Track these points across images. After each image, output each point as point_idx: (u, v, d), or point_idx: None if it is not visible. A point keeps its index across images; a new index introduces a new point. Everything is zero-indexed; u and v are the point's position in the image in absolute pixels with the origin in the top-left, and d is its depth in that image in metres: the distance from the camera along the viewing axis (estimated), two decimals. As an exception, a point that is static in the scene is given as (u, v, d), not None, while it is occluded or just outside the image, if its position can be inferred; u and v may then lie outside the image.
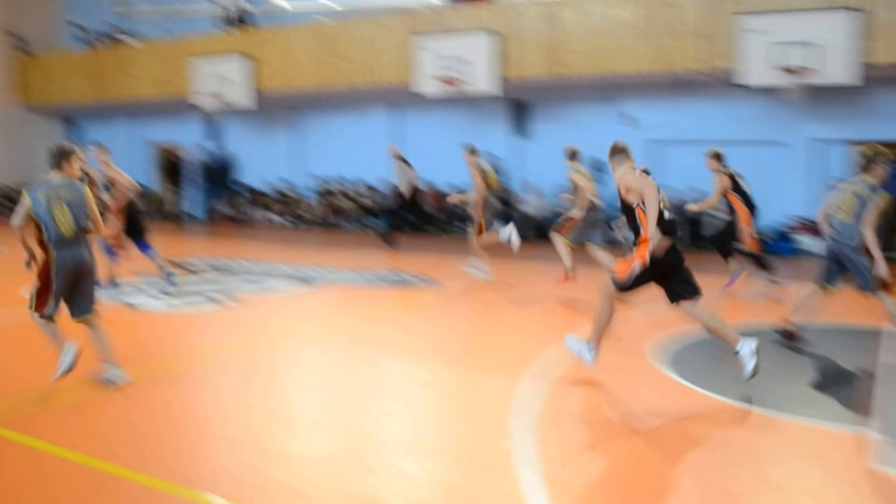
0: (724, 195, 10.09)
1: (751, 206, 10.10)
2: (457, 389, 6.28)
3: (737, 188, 10.06)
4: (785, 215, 15.40)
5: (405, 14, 17.34)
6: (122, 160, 22.79)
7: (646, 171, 6.14)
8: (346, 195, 19.77)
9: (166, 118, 23.26)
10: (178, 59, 20.24)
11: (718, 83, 15.15)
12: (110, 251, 10.12)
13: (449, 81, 16.16)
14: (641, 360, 6.89)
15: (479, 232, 11.20)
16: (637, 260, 5.91)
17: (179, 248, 14.51)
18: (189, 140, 22.47)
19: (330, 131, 20.56)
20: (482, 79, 15.96)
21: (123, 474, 4.49)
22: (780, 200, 15.06)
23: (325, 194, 20.12)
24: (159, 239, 15.04)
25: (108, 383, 6.12)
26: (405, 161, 15.89)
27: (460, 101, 17.74)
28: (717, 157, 10.19)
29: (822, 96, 14.09)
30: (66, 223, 5.92)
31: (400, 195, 16.16)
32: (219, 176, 22.02)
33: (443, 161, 18.79)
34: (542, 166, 17.68)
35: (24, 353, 7.10)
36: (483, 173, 11.58)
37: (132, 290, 10.24)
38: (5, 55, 23.82)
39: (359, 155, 19.99)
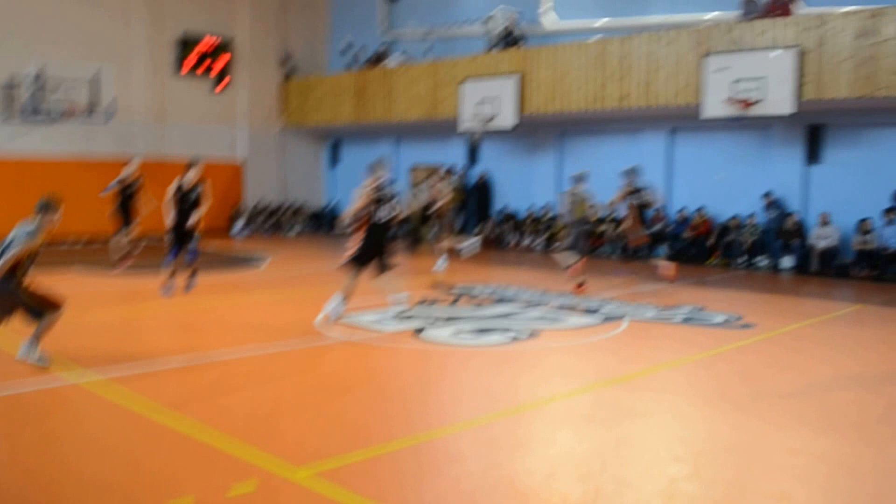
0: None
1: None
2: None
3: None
4: None
5: (692, 30, 16.22)
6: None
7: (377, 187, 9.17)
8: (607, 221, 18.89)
9: (428, 141, 23.59)
10: (444, 80, 20.42)
11: None
12: None
13: (744, 103, 14.88)
14: None
15: None
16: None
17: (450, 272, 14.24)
18: (451, 163, 22.55)
19: (597, 154, 19.81)
20: (779, 99, 14.55)
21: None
22: None
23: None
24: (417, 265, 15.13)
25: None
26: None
27: (745, 126, 16.39)
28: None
29: None
30: None
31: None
32: (482, 199, 21.88)
33: (724, 189, 17.52)
34: (837, 195, 15.88)
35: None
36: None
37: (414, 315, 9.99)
38: (275, 78, 25.34)
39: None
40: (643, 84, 16.70)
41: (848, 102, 14.39)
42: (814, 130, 16.21)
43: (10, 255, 6.68)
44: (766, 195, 16.45)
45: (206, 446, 5.14)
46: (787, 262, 16.06)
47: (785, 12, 15.14)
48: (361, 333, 8.88)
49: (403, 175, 24.07)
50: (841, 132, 16.05)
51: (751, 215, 16.65)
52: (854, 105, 14.71)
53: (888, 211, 14.96)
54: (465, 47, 21.51)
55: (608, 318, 10.13)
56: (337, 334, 8.77)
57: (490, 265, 16.28)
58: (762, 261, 16.40)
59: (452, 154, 22.68)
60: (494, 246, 20.47)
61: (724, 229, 17.04)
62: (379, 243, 9.27)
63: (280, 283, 13.46)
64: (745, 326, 9.83)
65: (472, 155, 22.33)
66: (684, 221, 17.59)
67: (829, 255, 15.46)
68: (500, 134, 19.83)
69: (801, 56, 14.41)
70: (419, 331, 9.02)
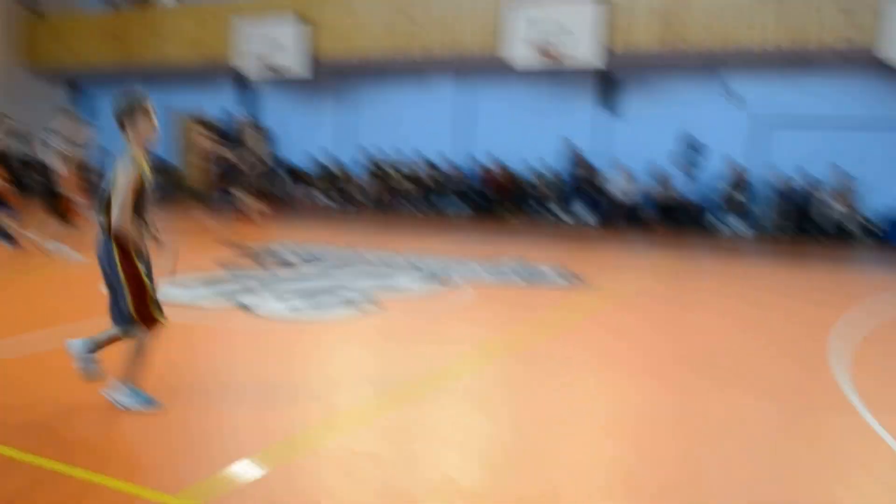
0: None
1: None
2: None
3: None
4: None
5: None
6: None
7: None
8: (404, 174, 18.01)
9: (194, 86, 21.20)
10: (217, 19, 18.28)
11: (850, 59, 13.78)
12: None
13: (546, 51, 14.49)
14: None
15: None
16: None
17: (239, 232, 12.46)
18: (219, 110, 20.36)
19: (387, 104, 18.77)
20: (584, 49, 14.33)
21: None
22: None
23: (380, 173, 18.31)
24: (194, 221, 13.20)
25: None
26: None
27: (541, 74, 16.13)
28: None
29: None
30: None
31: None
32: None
33: (517, 139, 17.22)
34: (632, 146, 16.12)
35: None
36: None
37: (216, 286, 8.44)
38: (7, 12, 21.38)
39: (419, 130, 18.24)
40: (446, 30, 15.83)
41: (653, 53, 14.54)
42: (608, 80, 16.26)
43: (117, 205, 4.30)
44: (567, 142, 16.33)
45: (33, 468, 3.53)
46: (586, 215, 16.08)
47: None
48: (176, 311, 7.20)
49: (162, 122, 21.55)
50: (636, 84, 16.26)
51: (548, 167, 16.51)
52: (660, 56, 14.92)
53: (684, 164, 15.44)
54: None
55: (434, 277, 9.20)
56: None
57: (279, 223, 14.71)
58: (560, 213, 16.33)
59: (219, 100, 20.52)
60: (280, 203, 18.83)
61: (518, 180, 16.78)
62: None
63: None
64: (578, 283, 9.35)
65: (247, 101, 20.35)
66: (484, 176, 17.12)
67: (626, 205, 15.69)
68: (282, 81, 18.09)
69: (609, 6, 14.26)
70: (244, 306, 7.48)
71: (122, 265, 4.36)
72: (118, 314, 4.47)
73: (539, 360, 5.99)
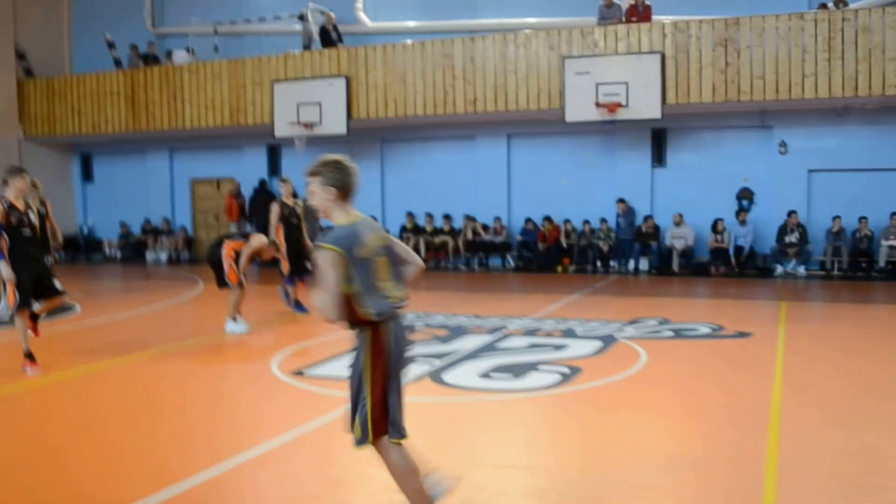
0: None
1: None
2: None
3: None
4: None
5: (549, 31, 15.80)
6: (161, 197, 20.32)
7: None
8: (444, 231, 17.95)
9: (216, 151, 20.85)
10: (249, 82, 18.07)
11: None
12: None
13: (610, 107, 14.74)
14: None
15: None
16: None
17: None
18: (248, 176, 20.01)
19: (427, 162, 18.77)
20: (645, 104, 14.64)
21: None
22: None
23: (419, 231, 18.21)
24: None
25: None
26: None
27: (588, 130, 16.43)
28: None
29: None
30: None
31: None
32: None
33: (572, 193, 17.40)
34: (684, 196, 16.44)
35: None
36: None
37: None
38: (6, 80, 20.63)
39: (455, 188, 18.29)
40: (492, 87, 16.00)
41: (694, 107, 14.97)
42: (657, 133, 16.61)
43: None
44: (621, 201, 16.55)
45: None
46: (643, 264, 16.28)
47: (642, 19, 15.33)
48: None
49: (184, 190, 21.26)
50: (682, 135, 16.64)
51: (602, 220, 16.66)
52: (696, 110, 15.35)
53: (739, 212, 15.78)
54: (266, 46, 19.26)
55: (600, 342, 9.10)
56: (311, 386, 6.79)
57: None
58: (616, 265, 16.49)
59: (249, 165, 20.23)
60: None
61: (571, 235, 16.86)
62: None
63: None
64: (742, 335, 9.40)
65: (275, 165, 20.08)
66: (533, 230, 17.16)
67: (687, 254, 15.93)
68: (325, 140, 17.94)
69: (663, 61, 14.64)
70: (432, 373, 7.28)
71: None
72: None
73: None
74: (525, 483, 4.68)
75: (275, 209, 11.07)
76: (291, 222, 11.04)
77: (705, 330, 9.70)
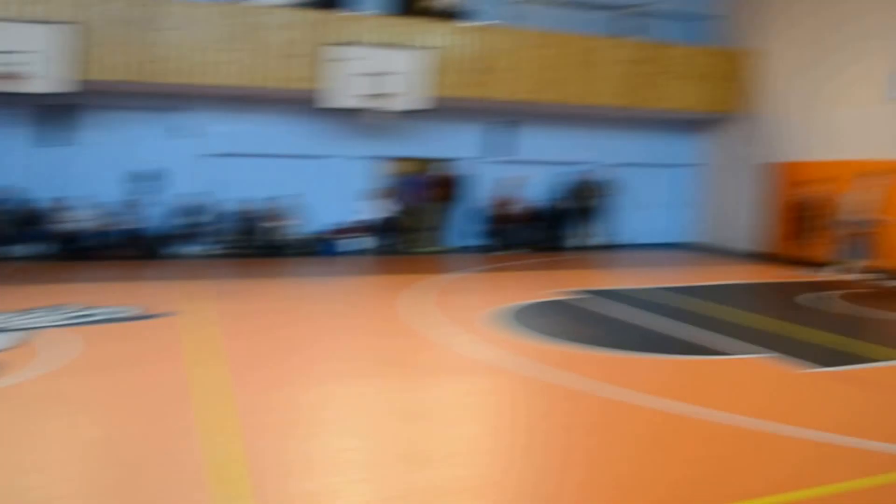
0: None
1: None
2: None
3: None
4: (329, 222, 17.47)
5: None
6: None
7: None
8: None
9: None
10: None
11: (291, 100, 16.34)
12: None
13: (6, 76, 13.43)
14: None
15: None
16: None
17: None
18: None
19: None
20: (49, 76, 13.71)
21: None
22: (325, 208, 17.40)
23: None
24: None
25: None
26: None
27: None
28: None
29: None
30: None
31: None
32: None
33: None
34: (85, 176, 15.88)
35: None
36: None
37: None
38: None
39: None
40: None
41: (104, 85, 14.67)
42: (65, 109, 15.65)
43: None
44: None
45: None
46: (23, 249, 15.12)
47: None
48: None
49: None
50: (89, 113, 16.04)
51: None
52: (105, 88, 15.06)
53: (141, 194, 15.89)
54: None
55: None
56: None
57: None
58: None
59: None
60: None
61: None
62: None
63: None
64: (168, 314, 9.68)
65: None
66: None
67: (79, 237, 15.44)
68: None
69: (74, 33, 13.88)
70: None
71: None
72: None
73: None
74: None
75: None
76: None
77: (130, 313, 9.71)
